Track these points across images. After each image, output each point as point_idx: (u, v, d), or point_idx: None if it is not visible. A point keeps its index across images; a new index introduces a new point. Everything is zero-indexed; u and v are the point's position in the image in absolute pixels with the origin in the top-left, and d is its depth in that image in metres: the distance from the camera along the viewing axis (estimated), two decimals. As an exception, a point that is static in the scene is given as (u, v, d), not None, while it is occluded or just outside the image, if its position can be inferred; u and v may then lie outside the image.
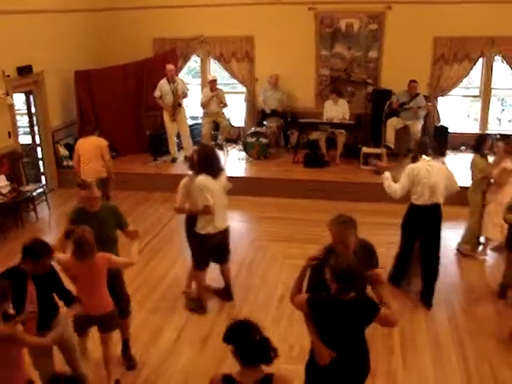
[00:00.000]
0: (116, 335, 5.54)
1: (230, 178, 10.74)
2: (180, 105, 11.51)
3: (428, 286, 6.81)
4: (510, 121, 14.11)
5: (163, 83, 11.46)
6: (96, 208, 5.46)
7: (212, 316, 6.71)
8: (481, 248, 8.22)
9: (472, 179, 7.91)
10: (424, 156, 6.73)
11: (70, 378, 3.57)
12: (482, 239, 8.18)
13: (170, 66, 11.46)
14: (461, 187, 6.97)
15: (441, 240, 6.80)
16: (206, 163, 6.38)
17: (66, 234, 5.21)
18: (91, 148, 8.99)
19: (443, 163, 7.00)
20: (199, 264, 6.78)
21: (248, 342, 3.32)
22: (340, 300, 3.88)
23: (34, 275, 4.49)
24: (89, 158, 8.98)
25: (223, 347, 5.63)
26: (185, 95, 11.71)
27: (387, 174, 6.76)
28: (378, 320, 3.97)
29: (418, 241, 6.84)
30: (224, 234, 6.75)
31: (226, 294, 7.10)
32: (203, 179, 6.29)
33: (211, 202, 6.29)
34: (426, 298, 6.81)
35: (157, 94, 11.51)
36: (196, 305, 6.84)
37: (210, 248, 6.68)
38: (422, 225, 6.70)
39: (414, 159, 6.82)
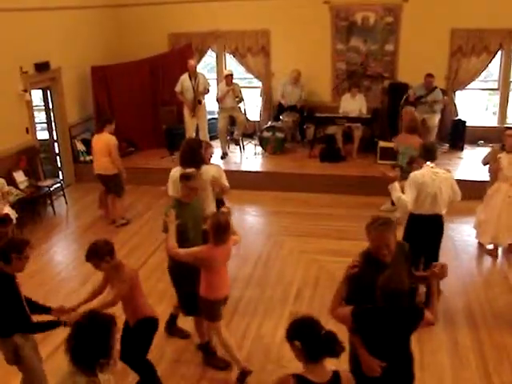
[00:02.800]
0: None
1: (247, 173, 10.93)
2: (200, 102, 11.49)
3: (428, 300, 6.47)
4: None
5: (184, 78, 11.44)
6: (191, 199, 5.65)
7: (229, 311, 6.67)
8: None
9: None
10: (428, 162, 6.27)
11: None
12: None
13: (191, 62, 11.46)
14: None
15: (439, 254, 6.46)
16: (186, 156, 6.39)
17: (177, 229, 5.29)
18: (100, 145, 9.11)
19: (448, 171, 6.48)
20: None
21: (316, 337, 3.26)
22: (388, 311, 3.77)
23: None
24: (98, 154, 9.18)
25: (239, 342, 5.66)
26: (206, 91, 11.69)
27: (396, 185, 6.12)
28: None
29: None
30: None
31: None
32: (173, 170, 6.49)
33: (169, 192, 6.52)
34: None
35: (177, 88, 11.50)
36: None
37: None
38: (421, 236, 6.17)
39: (412, 163, 6.58)
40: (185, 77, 11.44)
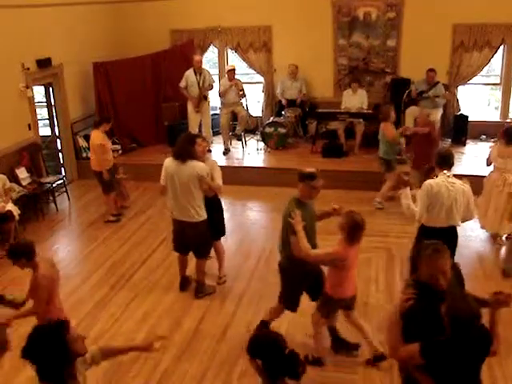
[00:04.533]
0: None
1: (249, 169, 10.91)
2: (206, 97, 11.51)
3: None
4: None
5: (189, 74, 11.45)
6: (311, 199, 5.45)
7: (232, 307, 6.73)
8: None
9: None
10: (445, 171, 5.79)
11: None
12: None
13: (197, 57, 11.50)
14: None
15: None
16: (177, 149, 6.50)
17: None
18: (91, 142, 9.34)
19: (465, 182, 5.85)
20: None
21: (278, 357, 3.18)
22: (460, 341, 3.49)
23: None
24: (91, 151, 9.47)
25: (243, 338, 5.68)
26: (211, 87, 11.71)
27: (407, 192, 5.82)
28: None
29: None
30: (185, 226, 6.64)
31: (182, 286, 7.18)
32: (166, 159, 6.58)
33: (162, 181, 6.59)
34: None
35: (182, 84, 11.50)
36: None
37: (175, 232, 6.87)
38: None
39: (430, 172, 6.12)
40: (190, 72, 11.44)
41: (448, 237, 5.56)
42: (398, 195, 6.04)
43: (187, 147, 6.43)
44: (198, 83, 11.36)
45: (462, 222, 5.87)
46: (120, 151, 11.84)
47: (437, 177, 5.79)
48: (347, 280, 5.21)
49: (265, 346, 3.26)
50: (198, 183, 6.42)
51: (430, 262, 3.85)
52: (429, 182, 5.73)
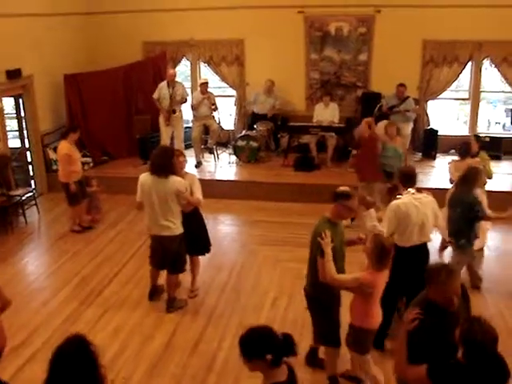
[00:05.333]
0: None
1: (221, 182, 10.92)
2: (174, 111, 11.45)
3: None
4: (497, 123, 14.18)
5: (162, 86, 11.43)
6: (341, 220, 5.23)
7: (203, 320, 6.67)
8: None
9: None
10: (409, 189, 5.76)
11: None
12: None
13: (171, 71, 11.53)
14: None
15: None
16: (157, 164, 6.35)
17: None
18: (57, 153, 9.39)
19: (429, 194, 5.96)
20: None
21: (279, 344, 3.23)
22: (475, 368, 3.33)
23: None
24: (58, 163, 9.47)
25: (214, 352, 5.65)
26: (184, 101, 11.67)
27: (372, 213, 5.76)
28: None
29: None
30: (163, 241, 6.58)
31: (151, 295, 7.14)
32: (142, 175, 6.49)
33: (138, 197, 6.52)
34: None
35: (155, 95, 11.47)
36: None
37: (153, 249, 6.81)
38: (410, 268, 5.57)
39: (394, 190, 6.07)
40: (163, 85, 11.43)
41: (421, 253, 5.78)
42: (361, 216, 5.90)
43: (166, 162, 6.32)
44: (170, 96, 11.35)
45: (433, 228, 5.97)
46: (91, 164, 11.76)
47: (401, 195, 5.78)
48: (376, 308, 4.87)
49: (266, 340, 3.27)
50: (176, 198, 6.36)
51: (444, 285, 3.76)
52: (396, 202, 5.69)
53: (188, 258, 7.02)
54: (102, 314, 6.86)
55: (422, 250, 5.80)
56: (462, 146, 8.07)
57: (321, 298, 5.14)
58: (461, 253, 6.65)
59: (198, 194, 6.69)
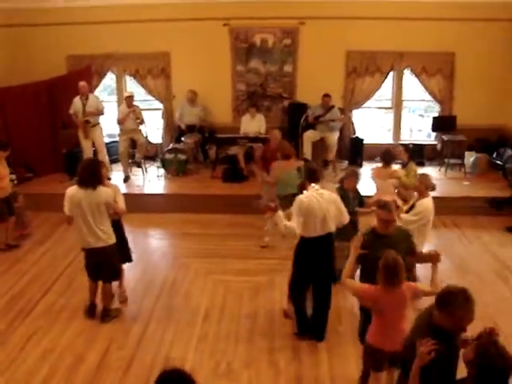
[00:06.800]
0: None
1: (149, 196, 10.81)
2: (88, 122, 11.26)
3: (320, 318, 6.35)
4: (420, 130, 14.62)
5: (76, 100, 11.25)
6: (390, 231, 5.20)
7: (135, 338, 6.57)
8: None
9: None
10: (313, 184, 6.15)
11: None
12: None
13: (81, 83, 11.28)
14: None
15: (332, 269, 6.29)
16: (85, 176, 6.37)
17: (358, 259, 5.00)
18: None
19: (333, 193, 6.38)
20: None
21: None
22: None
23: None
24: None
25: (148, 369, 5.57)
26: (99, 112, 11.48)
27: (280, 215, 5.93)
28: None
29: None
30: (97, 252, 6.60)
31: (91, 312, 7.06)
32: (69, 189, 6.48)
33: (67, 211, 6.50)
34: (318, 330, 6.36)
35: (71, 111, 11.29)
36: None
37: (88, 261, 6.79)
38: (315, 257, 6.09)
39: (302, 187, 6.21)
40: (77, 99, 11.25)
41: (325, 243, 6.12)
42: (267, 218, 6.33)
43: (93, 173, 6.37)
44: (84, 108, 11.23)
45: (339, 225, 6.26)
46: (15, 181, 11.41)
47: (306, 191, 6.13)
48: (386, 329, 4.64)
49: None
50: (106, 208, 6.42)
51: (460, 311, 3.60)
52: (299, 197, 6.04)
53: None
54: (30, 335, 6.64)
55: (326, 239, 6.11)
56: (386, 153, 8.33)
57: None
58: None
59: (122, 203, 6.77)
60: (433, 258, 4.94)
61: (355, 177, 7.35)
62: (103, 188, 6.44)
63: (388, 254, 4.49)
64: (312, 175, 6.30)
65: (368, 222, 6.53)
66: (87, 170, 6.40)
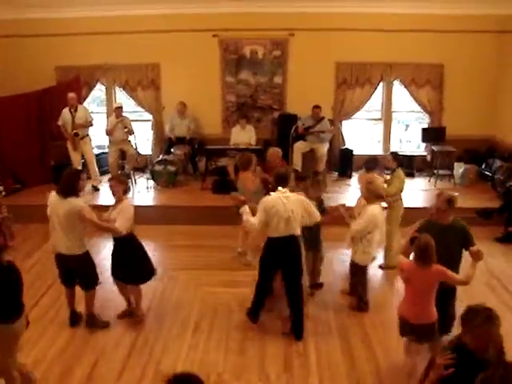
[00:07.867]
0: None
1: (139, 208, 10.74)
2: (77, 134, 11.25)
3: (296, 317, 6.59)
4: (409, 141, 14.67)
5: (65, 112, 11.25)
6: (447, 222, 5.85)
7: (125, 350, 6.50)
8: None
9: None
10: (280, 188, 6.48)
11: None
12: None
13: (70, 95, 11.27)
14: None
15: (302, 269, 6.62)
16: (65, 185, 6.44)
17: (411, 240, 5.45)
18: None
19: (300, 194, 6.79)
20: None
21: None
22: None
23: None
24: None
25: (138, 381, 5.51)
26: (89, 124, 11.48)
27: (246, 208, 6.52)
28: None
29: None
30: (67, 259, 6.60)
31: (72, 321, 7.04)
32: (52, 193, 6.58)
33: (48, 213, 6.57)
34: (296, 329, 6.59)
35: (60, 122, 11.29)
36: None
37: (58, 266, 6.79)
38: (280, 257, 6.47)
39: (272, 190, 6.63)
40: (65, 110, 11.26)
41: (290, 245, 6.44)
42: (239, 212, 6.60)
43: (68, 183, 6.43)
44: (72, 120, 11.19)
45: (310, 224, 6.73)
46: (3, 193, 11.34)
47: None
48: (412, 301, 5.35)
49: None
50: (79, 219, 6.40)
51: (480, 330, 3.57)
52: (265, 197, 6.48)
53: (116, 282, 7.07)
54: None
55: (290, 241, 6.44)
56: (369, 160, 8.61)
57: None
58: None
59: (119, 221, 6.55)
60: (475, 256, 5.47)
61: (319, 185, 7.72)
62: (73, 199, 6.38)
63: (422, 236, 5.17)
64: (280, 179, 6.58)
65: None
66: (64, 179, 6.50)
